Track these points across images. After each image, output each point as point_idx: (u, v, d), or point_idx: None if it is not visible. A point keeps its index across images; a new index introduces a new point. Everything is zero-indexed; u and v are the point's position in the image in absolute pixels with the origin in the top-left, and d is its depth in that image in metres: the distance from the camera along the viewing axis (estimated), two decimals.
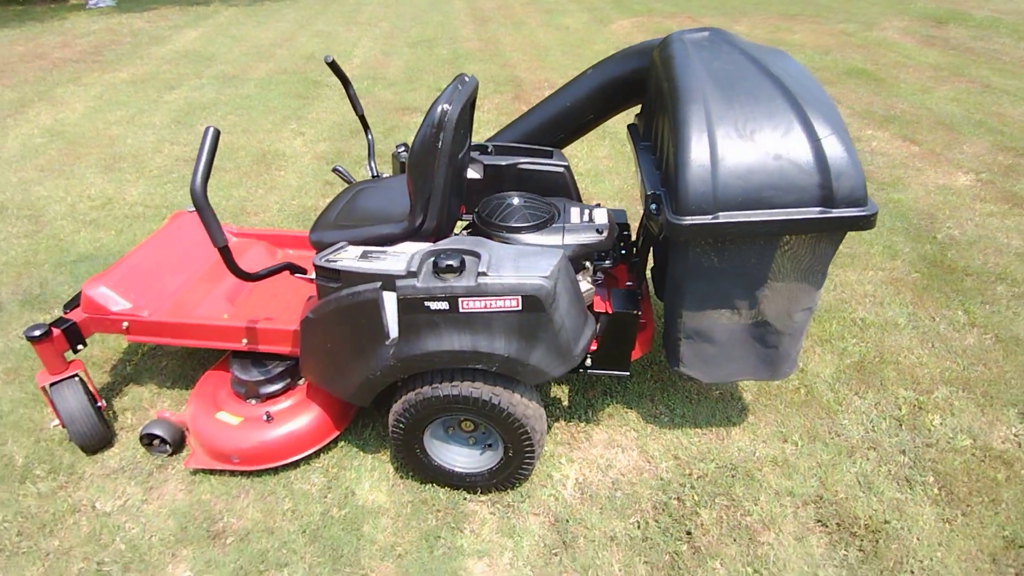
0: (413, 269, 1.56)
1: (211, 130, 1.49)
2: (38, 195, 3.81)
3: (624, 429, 2.07)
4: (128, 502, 1.86)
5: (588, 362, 1.86)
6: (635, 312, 1.77)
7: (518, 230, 1.83)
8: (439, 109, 1.61)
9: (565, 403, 2.18)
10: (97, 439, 1.99)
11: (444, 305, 1.54)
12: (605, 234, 1.85)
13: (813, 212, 1.46)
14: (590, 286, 1.87)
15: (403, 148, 2.40)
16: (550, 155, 2.17)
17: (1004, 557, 1.65)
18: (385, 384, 1.69)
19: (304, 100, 5.51)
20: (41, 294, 2.84)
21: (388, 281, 1.57)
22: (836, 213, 1.45)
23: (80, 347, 2.04)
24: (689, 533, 1.73)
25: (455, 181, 1.89)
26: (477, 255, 1.59)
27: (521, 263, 1.58)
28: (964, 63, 6.10)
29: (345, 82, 2.32)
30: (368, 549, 1.71)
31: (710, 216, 1.48)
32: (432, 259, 1.56)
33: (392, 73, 6.30)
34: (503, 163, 2.15)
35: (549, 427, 2.07)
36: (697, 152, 1.48)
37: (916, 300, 2.67)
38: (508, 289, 1.52)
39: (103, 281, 2.04)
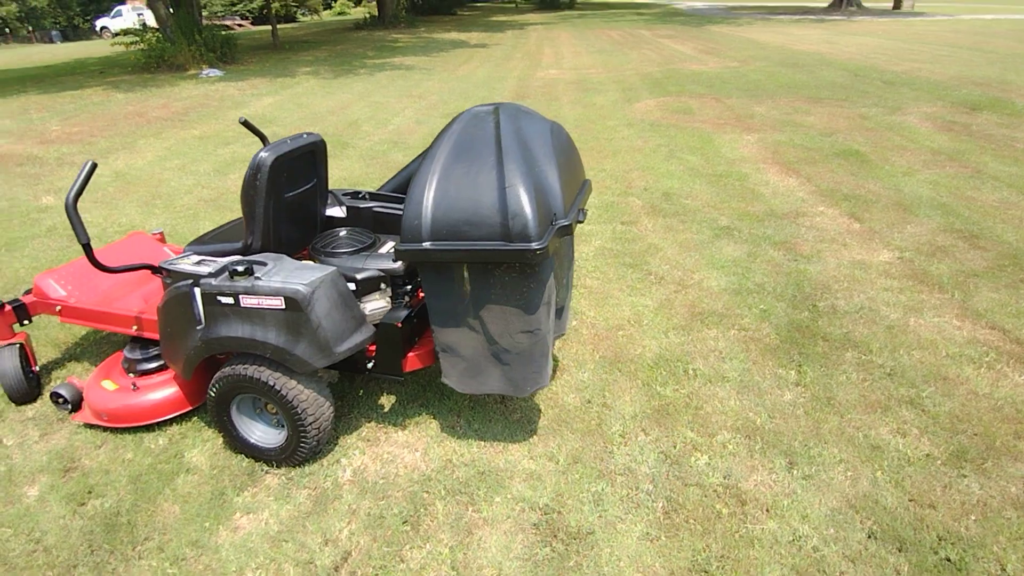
0: (214, 271, 2.05)
1: (89, 162, 2.10)
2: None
3: (421, 435, 2.39)
4: (25, 441, 2.42)
5: (370, 365, 2.25)
6: (396, 324, 2.15)
7: (334, 255, 2.31)
8: (259, 156, 2.15)
9: (385, 409, 2.53)
10: (21, 394, 2.59)
11: (231, 300, 2.01)
12: (400, 264, 2.27)
13: (497, 244, 1.81)
14: (385, 304, 2.27)
15: None
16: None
17: (681, 575, 1.79)
18: (199, 359, 2.16)
19: (329, 158, 6.37)
20: None
21: (197, 280, 2.06)
22: (511, 246, 1.80)
23: (26, 322, 2.68)
24: (418, 518, 2.01)
25: (291, 213, 2.40)
26: (264, 264, 2.05)
27: (293, 274, 2.03)
28: (969, 148, 6.00)
29: (262, 138, 2.94)
30: (167, 494, 2.13)
31: (420, 244, 1.87)
32: (229, 266, 2.05)
33: (414, 139, 7.12)
34: (362, 206, 2.67)
35: (356, 426, 2.43)
36: (417, 195, 1.90)
37: (758, 359, 2.80)
38: (274, 291, 1.97)
39: (51, 275, 2.70)
